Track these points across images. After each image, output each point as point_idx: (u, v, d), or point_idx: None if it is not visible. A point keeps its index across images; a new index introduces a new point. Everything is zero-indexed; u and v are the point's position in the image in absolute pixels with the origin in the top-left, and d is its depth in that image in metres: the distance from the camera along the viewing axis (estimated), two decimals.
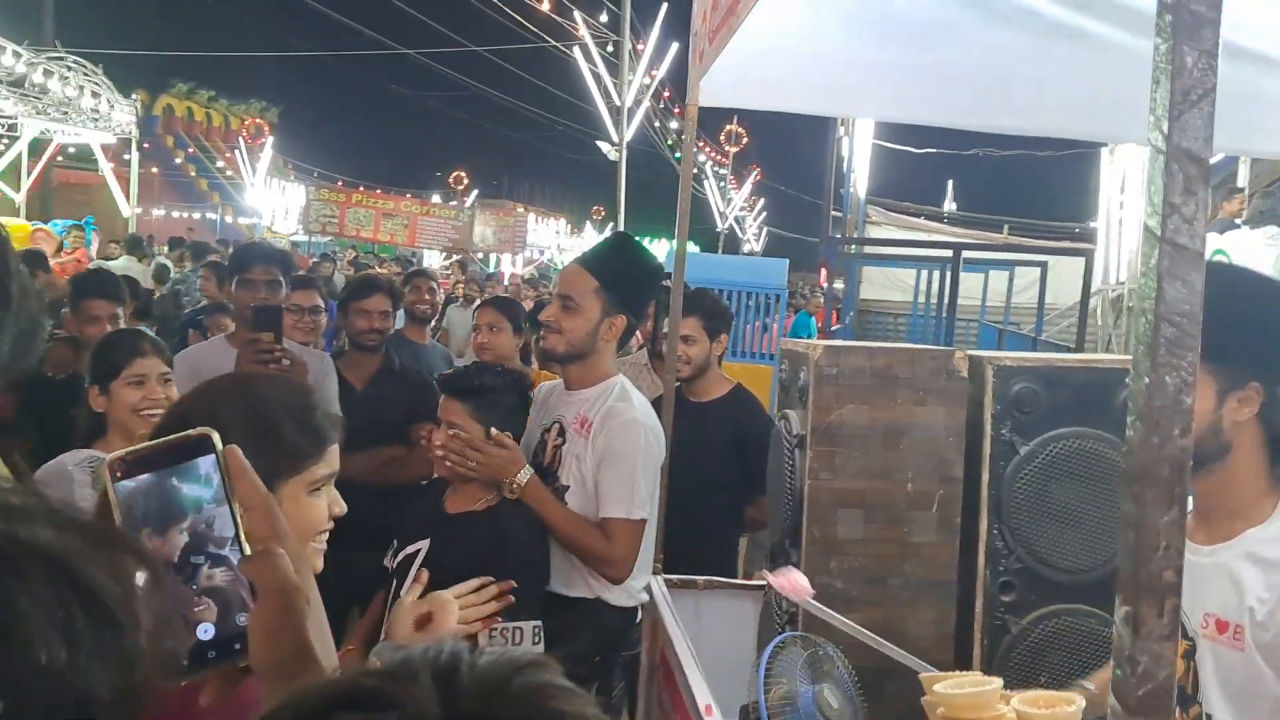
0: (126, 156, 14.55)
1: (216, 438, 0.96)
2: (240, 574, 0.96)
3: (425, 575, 2.07)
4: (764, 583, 3.27)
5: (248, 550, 0.96)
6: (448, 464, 2.97)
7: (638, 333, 4.21)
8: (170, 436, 0.97)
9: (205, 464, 0.96)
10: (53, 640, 0.56)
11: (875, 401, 2.84)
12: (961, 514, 2.86)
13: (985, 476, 2.82)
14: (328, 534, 1.65)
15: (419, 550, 2.95)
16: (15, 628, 0.54)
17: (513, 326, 4.74)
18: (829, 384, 2.83)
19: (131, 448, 0.96)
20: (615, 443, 2.97)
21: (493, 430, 2.92)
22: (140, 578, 0.90)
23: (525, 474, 2.92)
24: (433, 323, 6.02)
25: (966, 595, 2.87)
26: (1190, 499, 2.00)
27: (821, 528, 2.82)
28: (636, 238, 3.40)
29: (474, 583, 2.05)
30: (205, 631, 0.95)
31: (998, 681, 1.19)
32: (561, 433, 3.07)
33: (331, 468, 1.64)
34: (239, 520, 0.96)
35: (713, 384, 4.07)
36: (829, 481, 2.82)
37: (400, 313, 5.12)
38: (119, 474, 0.93)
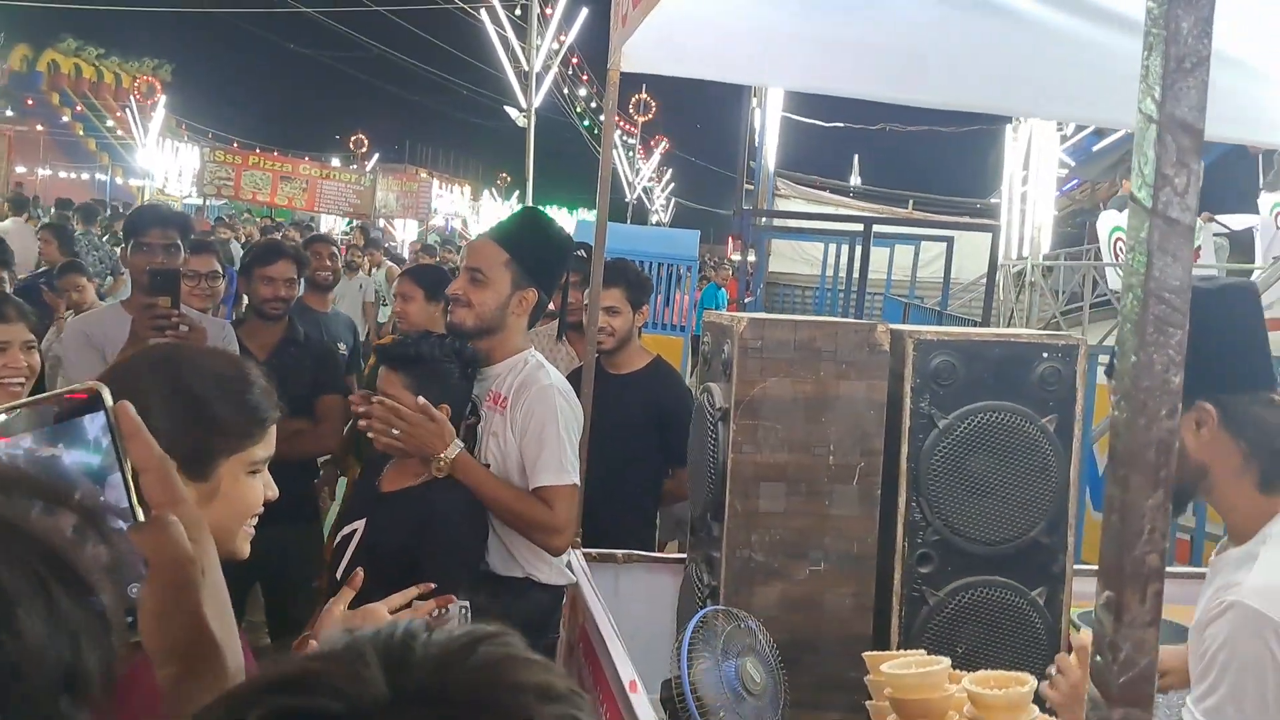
0: (10, 113, 13.88)
1: (107, 394, 0.88)
2: (130, 538, 0.87)
3: (358, 578, 1.98)
4: (683, 556, 3.26)
5: (141, 518, 0.88)
6: (370, 434, 2.87)
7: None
8: (49, 393, 0.88)
9: (93, 425, 0.87)
10: (35, 612, 0.52)
11: (798, 375, 2.82)
12: (881, 487, 2.87)
13: (904, 450, 2.83)
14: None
15: (355, 531, 2.86)
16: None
17: (425, 294, 4.63)
18: (753, 357, 2.81)
19: (9, 404, 0.86)
20: (536, 412, 2.90)
21: (419, 399, 2.82)
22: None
23: (454, 449, 2.83)
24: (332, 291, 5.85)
25: (885, 567, 2.88)
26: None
27: (744, 501, 2.81)
28: (545, 211, 3.34)
29: (410, 592, 1.98)
30: (99, 605, 0.87)
31: (945, 661, 1.17)
32: (474, 411, 2.99)
33: (269, 450, 1.58)
34: (131, 485, 0.87)
35: (633, 356, 4.03)
36: (751, 455, 2.81)
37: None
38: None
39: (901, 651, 1.24)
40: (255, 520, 1.57)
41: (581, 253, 3.68)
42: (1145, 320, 0.72)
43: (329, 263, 5.50)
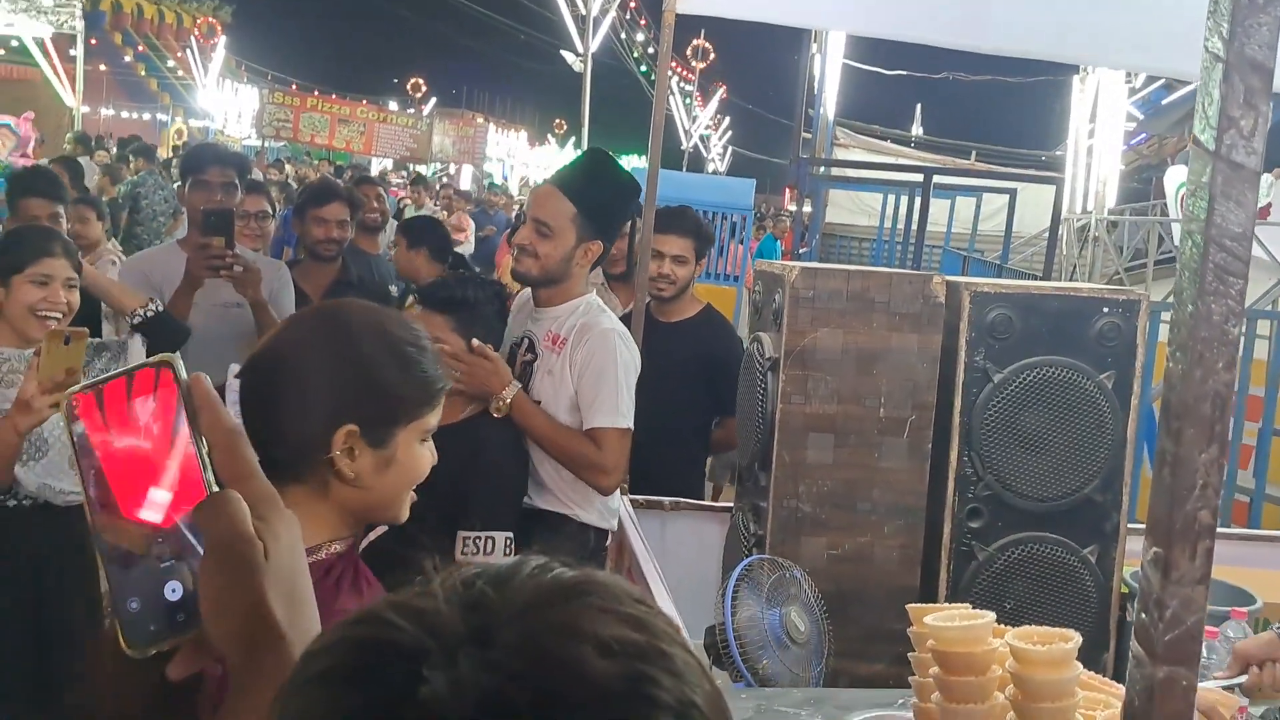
0: (73, 52, 14.00)
1: (180, 366, 0.84)
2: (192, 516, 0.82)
3: None
4: (730, 505, 3.26)
5: (214, 488, 0.82)
6: None
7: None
8: (128, 367, 0.84)
9: (168, 396, 0.83)
10: None
11: (850, 325, 2.79)
12: (932, 441, 2.84)
13: (958, 403, 2.80)
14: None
15: None
16: None
17: (407, 243, 4.66)
18: (804, 307, 2.78)
19: (88, 381, 0.83)
20: (596, 354, 2.89)
21: (474, 342, 2.83)
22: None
23: (512, 389, 2.84)
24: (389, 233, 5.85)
25: (934, 521, 2.86)
26: None
27: (791, 452, 2.80)
28: (610, 155, 3.29)
29: None
30: (173, 591, 0.81)
31: (990, 615, 1.16)
32: (532, 348, 2.99)
33: (439, 416, 1.59)
34: (206, 460, 0.83)
35: (684, 304, 4.00)
36: (800, 405, 2.79)
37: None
38: (77, 412, 0.82)
39: (946, 604, 1.23)
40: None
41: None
42: (1205, 268, 0.69)
43: (376, 204, 5.50)
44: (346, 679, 0.58)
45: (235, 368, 1.54)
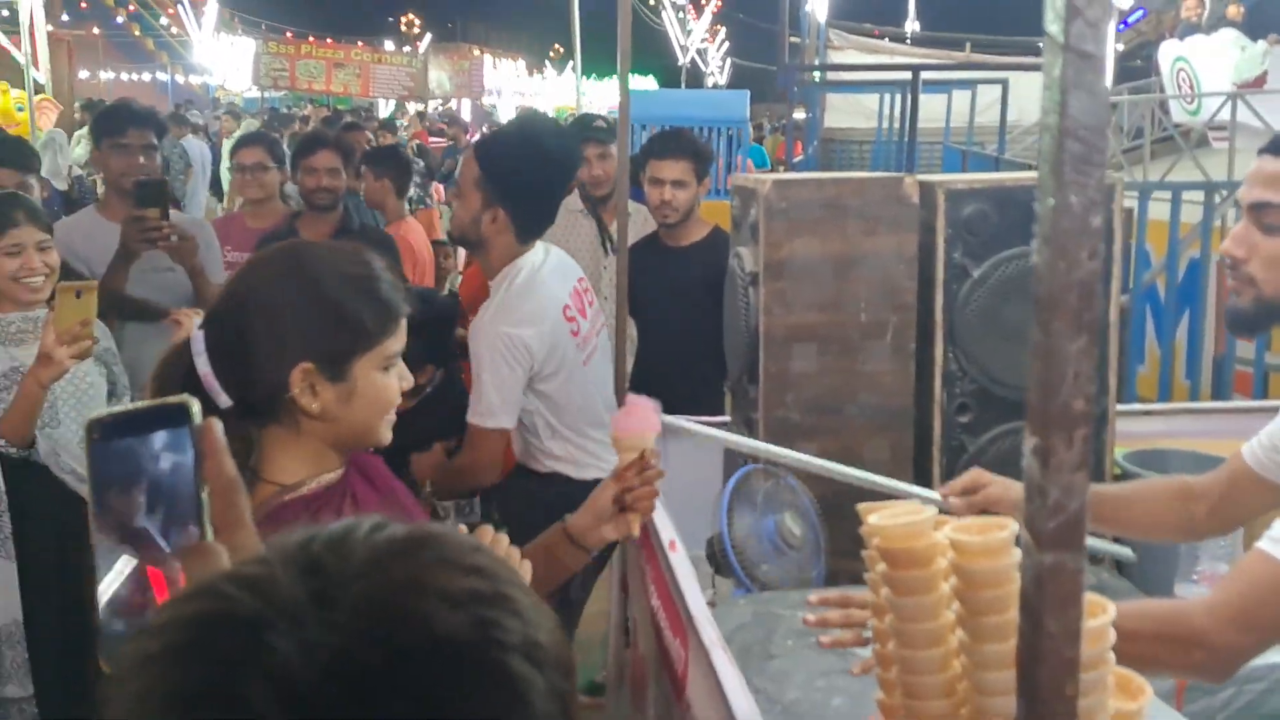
0: (65, 18, 13.82)
1: (196, 408, 0.88)
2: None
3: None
4: (726, 419, 3.29)
5: (209, 535, 0.87)
6: None
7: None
8: (152, 401, 0.91)
9: (181, 435, 0.87)
10: None
11: (825, 234, 2.80)
12: (915, 340, 2.86)
13: (939, 301, 2.81)
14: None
15: None
16: None
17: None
18: (779, 219, 2.78)
19: (112, 410, 0.88)
20: (475, 349, 2.99)
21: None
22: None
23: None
24: None
25: (923, 419, 2.89)
26: None
27: (777, 363, 2.82)
28: (539, 121, 3.28)
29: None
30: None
31: (932, 510, 1.19)
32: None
33: (401, 342, 1.61)
34: (205, 503, 0.87)
35: (692, 228, 3.99)
36: (782, 317, 2.80)
37: None
38: (96, 436, 0.86)
39: (890, 501, 1.26)
40: (393, 412, 1.61)
41: (602, 123, 3.61)
42: (1061, 160, 0.70)
43: (368, 147, 5.49)
44: (187, 654, 0.57)
45: (197, 319, 1.58)
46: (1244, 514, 2.10)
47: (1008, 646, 1.11)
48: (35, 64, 10.46)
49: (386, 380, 1.59)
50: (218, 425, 0.89)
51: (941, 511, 1.35)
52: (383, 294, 1.57)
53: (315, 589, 0.59)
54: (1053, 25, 0.69)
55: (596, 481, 3.14)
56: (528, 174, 3.00)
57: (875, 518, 1.22)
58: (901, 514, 1.20)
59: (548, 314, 3.04)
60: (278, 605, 0.58)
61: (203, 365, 1.52)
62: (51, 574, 3.06)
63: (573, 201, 4.37)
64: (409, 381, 1.64)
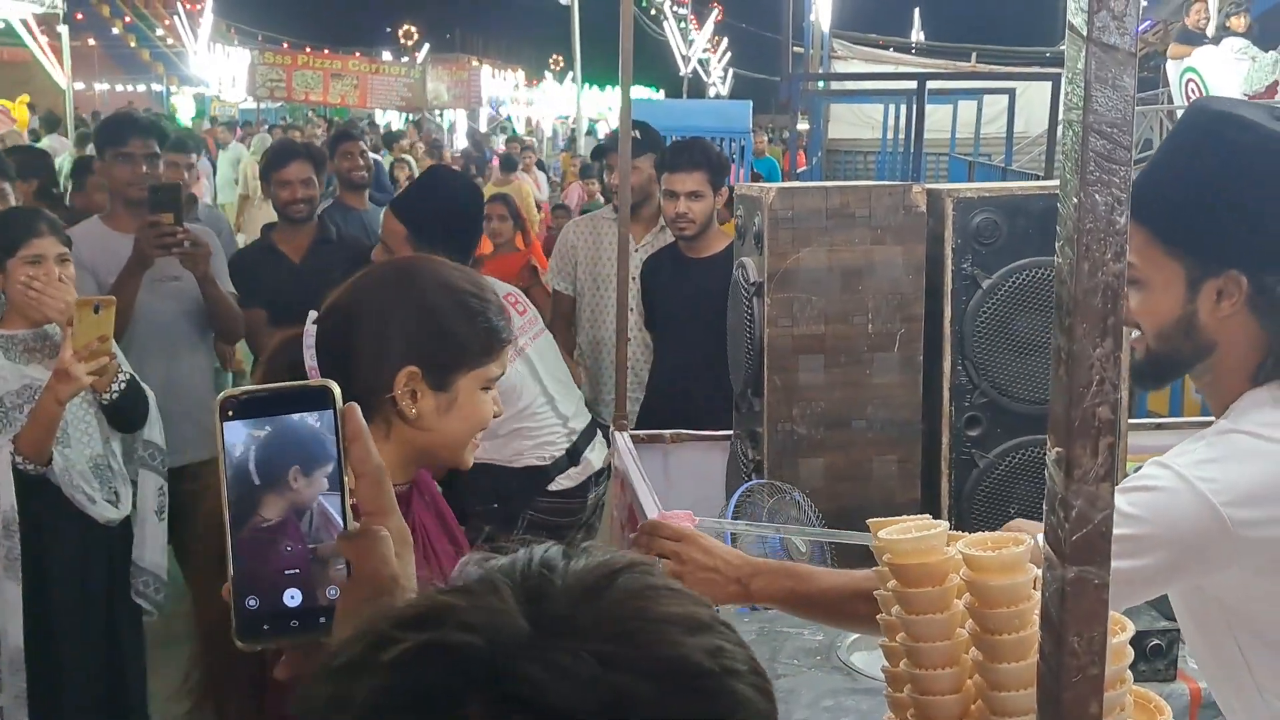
0: (60, 29, 13.85)
1: (337, 392, 0.89)
2: (339, 546, 0.88)
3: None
4: (730, 432, 3.26)
5: (351, 520, 0.88)
6: None
7: (595, 187, 4.08)
8: (289, 383, 0.92)
9: (322, 419, 0.88)
10: None
11: (832, 243, 2.76)
12: (924, 352, 2.82)
13: (947, 313, 2.77)
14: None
15: None
16: None
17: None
18: (784, 228, 2.75)
19: (246, 388, 0.89)
20: None
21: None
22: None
23: None
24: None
25: (932, 432, 2.85)
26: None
27: (783, 375, 2.78)
28: (448, 175, 3.31)
29: None
30: (292, 598, 0.88)
31: (943, 525, 1.15)
32: None
33: (502, 368, 1.65)
34: (348, 486, 0.88)
35: (712, 239, 3.95)
36: (788, 328, 2.77)
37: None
38: (230, 413, 0.87)
39: (902, 517, 1.23)
40: (481, 434, 1.64)
41: (636, 134, 3.59)
42: (1085, 157, 0.67)
43: (360, 160, 5.44)
44: (430, 683, 0.57)
45: (314, 314, 1.61)
46: None
47: (1024, 665, 1.08)
48: (63, 71, 10.46)
49: (484, 400, 1.62)
50: (358, 410, 0.89)
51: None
52: (490, 316, 1.62)
53: (553, 614, 0.59)
54: (1075, 17, 0.66)
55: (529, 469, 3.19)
56: (454, 221, 3.09)
57: (887, 533, 1.19)
58: (913, 528, 1.17)
59: None
60: (516, 632, 0.58)
61: (310, 359, 1.54)
62: (68, 598, 3.02)
63: (606, 210, 4.38)
64: (500, 408, 1.68)
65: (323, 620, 0.88)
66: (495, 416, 1.65)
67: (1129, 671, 1.07)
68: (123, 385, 3.03)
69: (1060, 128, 0.65)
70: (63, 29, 10.48)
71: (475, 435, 1.63)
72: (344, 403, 0.89)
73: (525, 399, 3.24)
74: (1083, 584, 0.71)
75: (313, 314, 1.62)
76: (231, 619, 0.87)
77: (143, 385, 3.13)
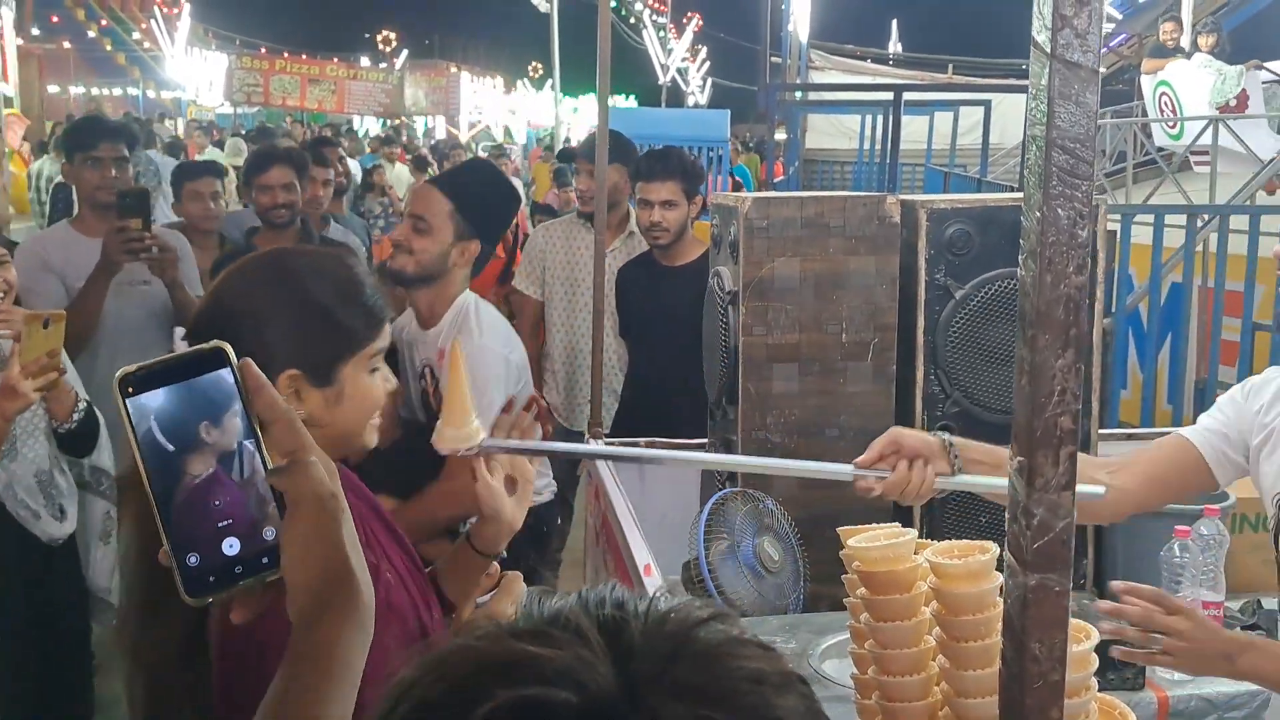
0: (36, 31, 13.72)
1: (230, 351, 0.92)
2: (267, 487, 0.91)
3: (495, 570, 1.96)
4: (705, 440, 3.26)
5: (270, 465, 0.91)
6: None
7: (572, 193, 4.09)
8: (182, 352, 0.93)
9: (221, 379, 0.91)
10: None
11: (806, 252, 2.78)
12: (897, 361, 2.84)
13: (920, 323, 2.79)
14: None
15: None
16: None
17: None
18: (759, 237, 2.77)
19: (141, 363, 0.91)
20: (467, 367, 2.88)
21: None
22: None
23: None
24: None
25: None
26: None
27: (757, 384, 2.80)
28: (490, 164, 3.28)
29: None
30: (231, 546, 0.91)
31: (911, 533, 1.16)
32: (433, 375, 2.99)
33: (385, 343, 1.61)
34: (260, 437, 0.91)
35: (687, 247, 3.96)
36: (763, 337, 2.78)
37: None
38: (130, 390, 0.89)
39: (871, 525, 1.24)
40: (378, 414, 1.60)
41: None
42: (1049, 172, 0.68)
43: (338, 166, 5.44)
44: None
45: (181, 331, 1.56)
46: (1174, 496, 2.09)
47: (989, 673, 1.09)
48: (4, 77, 10.33)
49: (372, 382, 1.57)
50: (252, 363, 0.91)
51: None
52: (367, 296, 1.57)
53: (645, 671, 0.57)
54: (1040, 34, 0.67)
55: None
56: (498, 206, 3.04)
57: (855, 541, 1.20)
58: (882, 536, 1.18)
59: (518, 340, 3.07)
60: (607, 687, 0.56)
61: None
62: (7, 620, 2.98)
63: (575, 215, 4.40)
64: (393, 383, 1.63)
65: (265, 560, 0.91)
66: (389, 392, 1.61)
67: (1094, 679, 1.08)
68: (81, 413, 2.96)
69: (1025, 142, 0.65)
70: (4, 20, 10.26)
71: (372, 418, 1.59)
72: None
73: None
74: (1044, 591, 0.72)
75: (180, 330, 1.58)
76: (176, 582, 0.89)
77: (97, 413, 3.06)
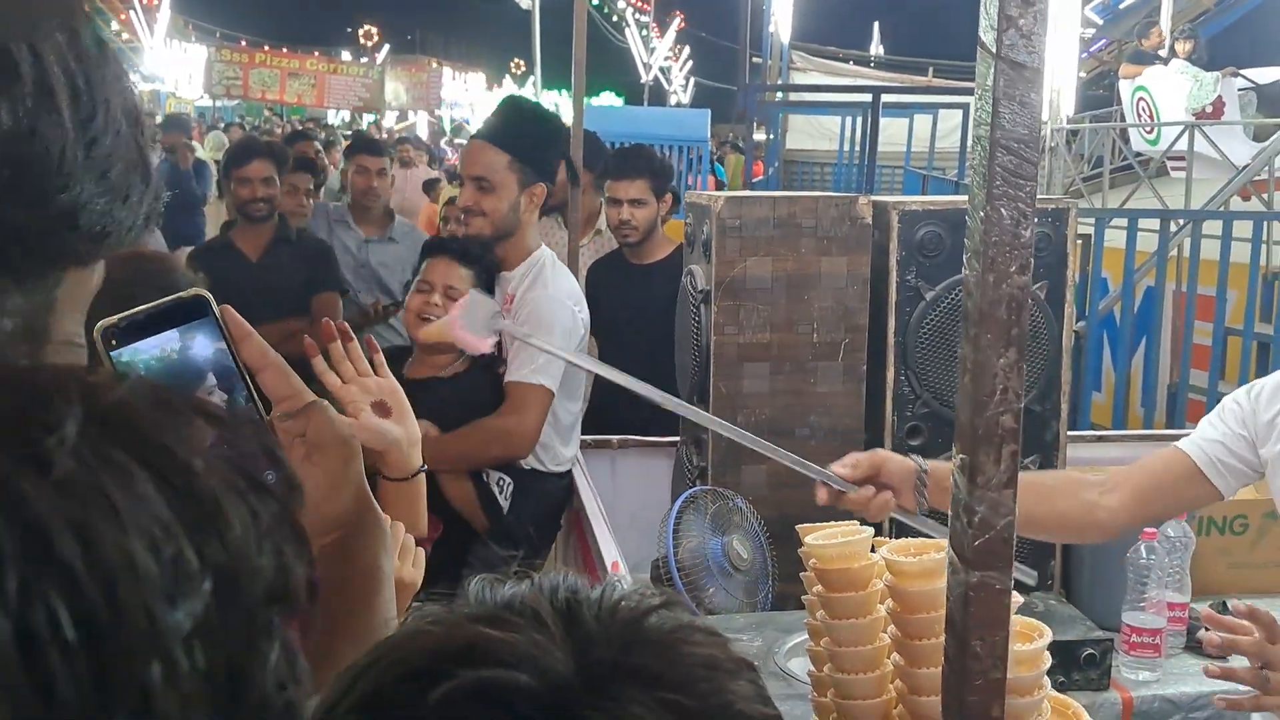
0: None
1: (211, 298, 0.90)
2: (265, 431, 0.89)
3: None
4: (676, 438, 3.26)
5: (263, 411, 0.91)
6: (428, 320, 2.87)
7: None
8: (161, 300, 0.90)
9: (205, 326, 0.89)
10: (240, 515, 0.46)
11: (778, 252, 2.79)
12: (867, 362, 2.85)
13: (891, 323, 2.80)
14: None
15: None
16: (214, 501, 0.45)
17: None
18: (732, 236, 2.77)
19: (121, 314, 0.88)
20: (531, 317, 2.87)
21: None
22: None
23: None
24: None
25: (874, 442, 2.88)
26: None
27: (728, 382, 2.80)
28: (525, 97, 3.25)
29: None
30: None
31: (869, 531, 1.17)
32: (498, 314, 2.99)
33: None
34: (249, 384, 0.91)
35: (656, 246, 3.97)
36: (734, 336, 2.79)
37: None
38: (114, 342, 0.86)
39: (829, 524, 1.24)
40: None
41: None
42: (993, 172, 0.69)
43: (316, 160, 5.42)
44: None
45: None
46: (1171, 509, 2.06)
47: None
48: None
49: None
50: (233, 310, 0.91)
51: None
52: (179, 285, 1.54)
53: (600, 656, 0.58)
54: (986, 34, 0.67)
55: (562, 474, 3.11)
56: (551, 142, 3.03)
57: (812, 538, 1.20)
58: (840, 534, 1.18)
59: (583, 299, 3.07)
60: (564, 671, 0.57)
61: None
62: None
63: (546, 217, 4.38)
64: None
65: None
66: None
67: (1046, 678, 1.09)
68: None
69: (970, 142, 0.66)
70: None
71: None
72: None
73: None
74: (985, 589, 0.72)
75: None
76: None
77: None
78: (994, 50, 0.67)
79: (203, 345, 0.89)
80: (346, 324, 1.36)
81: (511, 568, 0.66)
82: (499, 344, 2.98)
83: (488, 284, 2.91)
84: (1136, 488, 1.94)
